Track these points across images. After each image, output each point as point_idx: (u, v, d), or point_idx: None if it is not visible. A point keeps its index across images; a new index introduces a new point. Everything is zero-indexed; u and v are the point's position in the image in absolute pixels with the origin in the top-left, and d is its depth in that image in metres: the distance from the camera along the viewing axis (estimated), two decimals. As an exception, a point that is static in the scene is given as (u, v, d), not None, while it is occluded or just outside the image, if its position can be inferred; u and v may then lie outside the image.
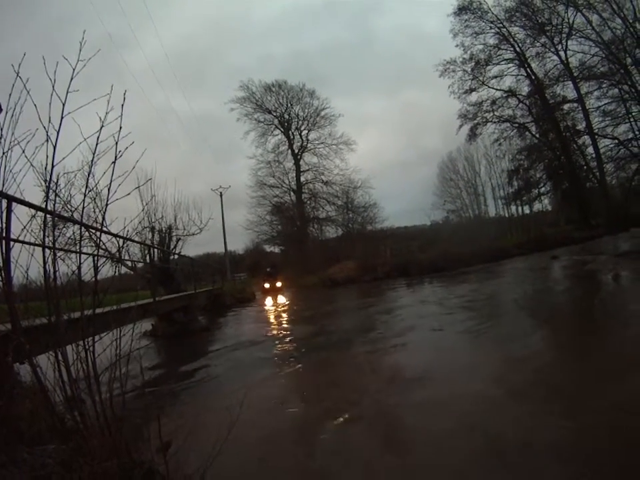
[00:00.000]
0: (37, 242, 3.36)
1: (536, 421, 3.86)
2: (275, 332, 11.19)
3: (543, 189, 36.01)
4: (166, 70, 59.17)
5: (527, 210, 39.67)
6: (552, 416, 3.92)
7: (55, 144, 2.89)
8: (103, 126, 2.87)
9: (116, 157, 2.95)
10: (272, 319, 14.92)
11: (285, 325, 12.45)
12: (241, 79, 42.44)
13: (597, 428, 3.57)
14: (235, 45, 59.20)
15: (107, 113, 2.85)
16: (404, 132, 56.56)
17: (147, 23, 63.84)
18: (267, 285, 27.45)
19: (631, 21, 27.88)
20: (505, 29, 33.12)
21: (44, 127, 2.85)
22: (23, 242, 3.39)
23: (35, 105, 2.90)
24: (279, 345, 8.97)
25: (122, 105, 2.90)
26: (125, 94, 2.95)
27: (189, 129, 54.95)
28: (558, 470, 3.11)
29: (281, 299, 21.36)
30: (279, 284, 27.69)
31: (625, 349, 5.63)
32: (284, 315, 15.68)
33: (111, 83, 2.93)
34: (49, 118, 2.85)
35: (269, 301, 21.56)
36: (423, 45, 55.66)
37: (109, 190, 3.01)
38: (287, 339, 9.56)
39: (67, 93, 2.84)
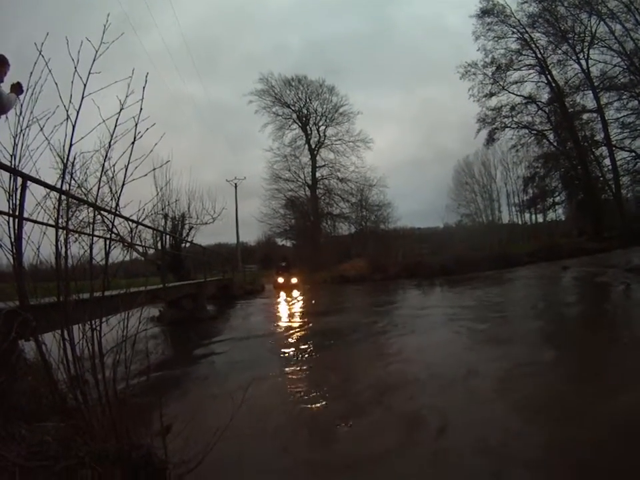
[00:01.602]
0: (49, 222, 3.40)
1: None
2: (282, 325, 11.23)
3: (557, 198, 35.85)
4: (179, 56, 58.98)
5: (540, 219, 39.55)
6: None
7: (75, 123, 2.91)
8: (122, 108, 2.88)
9: (135, 137, 2.96)
10: (280, 312, 14.95)
11: (294, 319, 12.39)
12: (254, 67, 42.39)
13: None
14: (249, 32, 58.25)
15: (127, 96, 2.87)
16: (419, 130, 56.05)
17: (159, 5, 62.60)
18: (280, 280, 25.59)
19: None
20: (527, 35, 32.82)
21: (64, 106, 2.87)
22: (35, 221, 3.42)
23: (57, 84, 2.91)
24: (285, 338, 8.96)
25: (143, 88, 2.91)
26: (146, 76, 2.96)
27: (203, 116, 54.83)
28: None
29: (291, 293, 21.32)
30: (294, 279, 25.71)
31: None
32: (293, 308, 15.71)
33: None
34: (70, 97, 2.86)
35: (278, 295, 21.54)
36: (441, 40, 54.78)
37: (126, 169, 3.02)
38: (294, 333, 9.53)
39: (89, 74, 2.86)
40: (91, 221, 3.48)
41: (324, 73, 48.61)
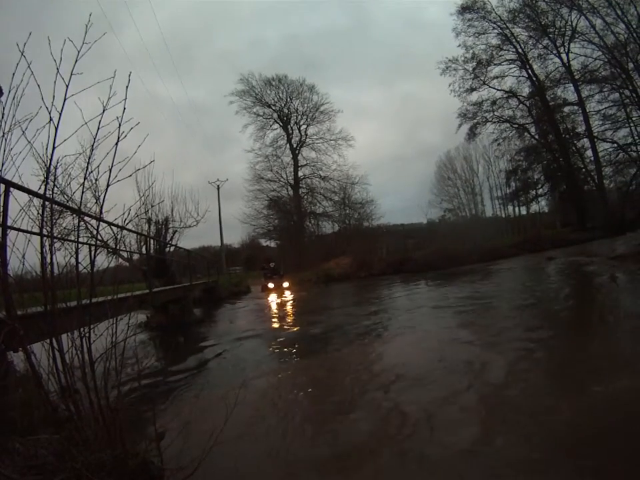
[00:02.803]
0: (33, 229, 3.33)
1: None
2: (270, 326, 11.17)
3: (540, 190, 36.37)
4: (154, 55, 57.42)
5: (523, 211, 40.09)
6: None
7: (57, 125, 2.84)
8: (105, 108, 2.82)
9: (119, 137, 2.90)
10: (267, 313, 14.81)
11: (281, 320, 12.29)
12: (232, 64, 42.08)
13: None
14: (224, 28, 57.06)
15: (109, 97, 2.80)
16: (401, 125, 56.13)
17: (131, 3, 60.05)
18: (271, 285, 23.68)
19: (634, 26, 27.99)
20: (507, 30, 33.27)
21: (46, 108, 2.79)
22: (19, 230, 3.35)
23: (39, 86, 2.84)
24: (274, 339, 8.88)
25: (127, 87, 2.85)
26: (129, 75, 2.90)
27: (182, 117, 54.01)
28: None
29: (278, 294, 21.18)
30: (285, 284, 23.91)
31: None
32: (280, 309, 15.62)
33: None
34: (53, 99, 2.79)
35: (264, 296, 21.38)
36: (422, 34, 53.70)
37: (110, 171, 2.96)
38: (283, 334, 9.47)
39: (71, 75, 2.79)
40: (75, 227, 3.41)
41: (302, 68, 48.00)
